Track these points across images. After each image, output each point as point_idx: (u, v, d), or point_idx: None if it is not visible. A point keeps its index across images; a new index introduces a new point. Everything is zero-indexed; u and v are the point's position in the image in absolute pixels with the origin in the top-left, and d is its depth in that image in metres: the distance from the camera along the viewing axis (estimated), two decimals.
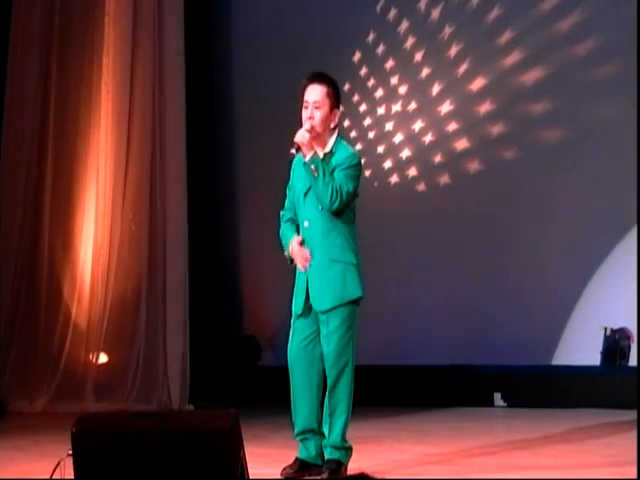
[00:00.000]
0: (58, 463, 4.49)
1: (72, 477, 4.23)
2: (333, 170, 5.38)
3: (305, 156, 5.38)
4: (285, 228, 5.57)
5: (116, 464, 4.16)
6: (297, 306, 5.49)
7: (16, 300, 9.49)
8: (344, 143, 5.51)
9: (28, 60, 9.64)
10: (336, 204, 5.34)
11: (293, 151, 5.45)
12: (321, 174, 5.33)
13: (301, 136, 5.38)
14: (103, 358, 9.41)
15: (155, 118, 9.41)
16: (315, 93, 5.44)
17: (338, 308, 5.38)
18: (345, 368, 5.40)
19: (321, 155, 5.42)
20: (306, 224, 5.47)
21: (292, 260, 5.50)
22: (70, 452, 4.20)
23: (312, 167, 5.34)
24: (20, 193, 9.58)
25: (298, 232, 5.52)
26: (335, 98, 5.48)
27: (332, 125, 5.47)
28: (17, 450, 6.77)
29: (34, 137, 9.63)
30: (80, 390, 9.23)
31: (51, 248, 9.54)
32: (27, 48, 9.64)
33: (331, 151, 5.46)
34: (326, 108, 5.44)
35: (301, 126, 5.43)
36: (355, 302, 5.43)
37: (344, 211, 5.42)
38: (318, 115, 5.43)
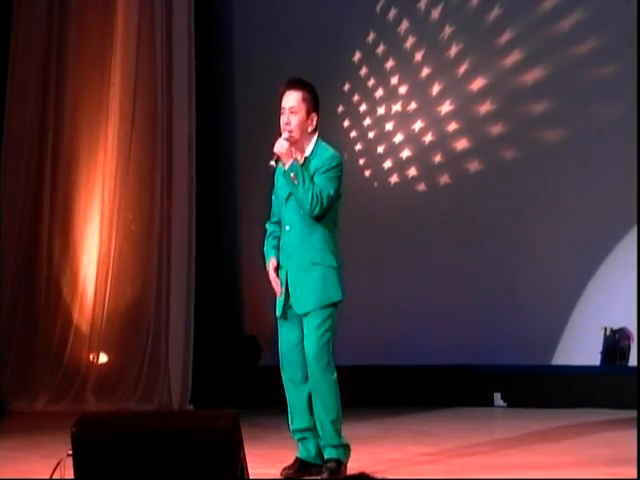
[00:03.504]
0: (58, 463, 4.49)
1: (72, 477, 4.23)
2: (314, 174, 5.42)
3: (285, 165, 5.41)
4: (266, 245, 5.67)
5: (116, 464, 4.16)
6: (278, 308, 5.55)
7: (16, 300, 9.48)
8: (324, 145, 5.53)
9: (29, 60, 9.63)
10: (317, 209, 5.38)
11: (272, 163, 5.46)
12: (301, 181, 5.37)
13: (279, 146, 5.43)
14: (103, 358, 9.41)
15: (161, 120, 9.39)
16: (291, 99, 5.48)
17: (317, 310, 5.42)
18: (327, 367, 5.42)
19: (301, 161, 5.46)
20: (287, 228, 5.53)
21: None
22: (70, 452, 4.20)
23: (292, 175, 5.37)
24: (20, 193, 9.57)
25: (278, 247, 5.58)
26: (311, 102, 5.50)
27: (310, 129, 5.50)
28: (17, 450, 6.77)
29: (35, 137, 9.63)
30: (80, 390, 9.24)
31: (51, 248, 9.54)
32: (28, 48, 9.63)
33: (311, 155, 5.49)
34: (302, 113, 5.47)
35: (280, 133, 5.46)
36: (334, 305, 5.47)
37: (325, 214, 5.44)
38: (294, 120, 5.46)
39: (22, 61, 9.64)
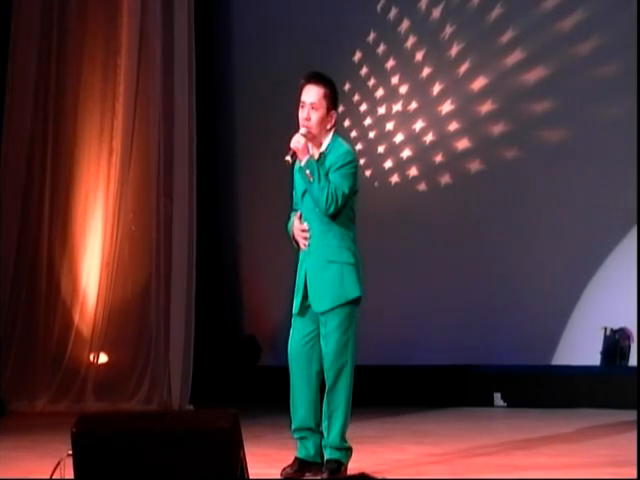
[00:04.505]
0: (58, 463, 4.48)
1: (72, 477, 4.22)
2: (328, 170, 5.37)
3: (301, 161, 5.37)
4: (290, 219, 5.59)
5: (116, 464, 4.16)
6: (295, 305, 5.50)
7: (16, 300, 9.48)
8: (340, 141, 5.47)
9: (29, 59, 9.64)
10: (332, 208, 5.33)
11: (288, 158, 5.38)
12: (316, 178, 5.32)
13: (296, 142, 5.36)
14: (103, 358, 9.41)
15: (162, 119, 9.39)
16: (312, 94, 5.40)
17: (337, 309, 5.37)
18: (344, 369, 5.39)
19: (316, 156, 5.41)
20: (305, 225, 5.47)
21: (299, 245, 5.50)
22: (70, 452, 4.19)
23: (307, 172, 5.34)
24: (20, 193, 9.57)
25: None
26: (332, 100, 5.44)
27: (329, 126, 5.44)
28: (17, 450, 6.76)
29: (35, 137, 9.63)
30: (80, 390, 9.24)
31: (51, 248, 9.54)
32: (27, 48, 9.63)
33: (326, 150, 5.44)
34: (323, 110, 5.40)
35: (298, 126, 5.42)
36: (354, 302, 5.41)
37: (342, 211, 5.42)
38: (315, 116, 5.39)
39: (22, 60, 9.64)
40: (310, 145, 5.42)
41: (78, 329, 9.44)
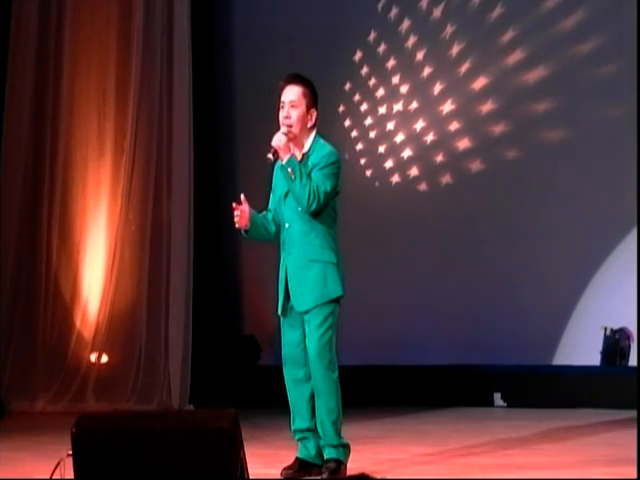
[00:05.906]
0: (58, 463, 4.48)
1: (72, 477, 4.23)
2: (311, 170, 5.40)
3: (282, 159, 5.40)
4: None
5: (116, 464, 4.16)
6: (279, 306, 5.53)
7: (16, 300, 9.47)
8: (322, 142, 5.51)
9: (28, 60, 9.63)
10: (314, 206, 5.36)
11: (270, 156, 5.44)
12: (298, 176, 5.34)
13: (278, 140, 5.41)
14: (103, 358, 9.41)
15: (162, 119, 9.40)
16: (291, 93, 5.47)
17: (319, 307, 5.40)
18: (328, 366, 5.40)
19: (299, 157, 5.44)
20: (287, 226, 5.51)
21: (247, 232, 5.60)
22: (70, 452, 4.20)
23: (289, 170, 5.36)
24: (19, 193, 9.56)
25: (277, 230, 5.59)
26: (311, 98, 5.49)
27: (309, 125, 5.48)
28: (17, 450, 6.77)
29: (34, 137, 9.61)
30: (80, 390, 9.24)
31: (50, 248, 9.53)
32: (26, 48, 9.63)
33: (309, 151, 5.47)
34: (302, 108, 5.45)
35: (278, 128, 5.46)
36: (336, 301, 5.45)
37: (323, 211, 5.44)
38: (295, 114, 5.44)
39: (21, 59, 9.63)
40: (292, 145, 5.46)
41: (78, 329, 9.43)
